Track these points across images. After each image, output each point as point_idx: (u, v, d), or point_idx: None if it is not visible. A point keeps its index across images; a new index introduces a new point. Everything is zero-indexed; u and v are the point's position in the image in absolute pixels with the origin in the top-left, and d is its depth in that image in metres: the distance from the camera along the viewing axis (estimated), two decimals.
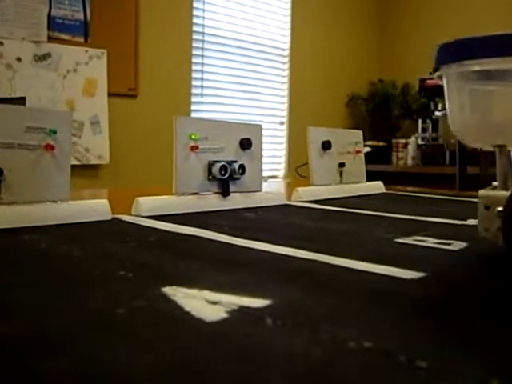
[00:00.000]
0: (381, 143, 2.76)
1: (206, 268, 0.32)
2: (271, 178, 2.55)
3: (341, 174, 0.82)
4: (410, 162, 2.68)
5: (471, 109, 0.35)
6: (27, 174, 0.46)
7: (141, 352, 0.18)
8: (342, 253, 0.36)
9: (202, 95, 2.30)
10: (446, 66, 0.34)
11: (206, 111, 2.32)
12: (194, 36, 2.24)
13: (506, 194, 0.31)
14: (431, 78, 2.50)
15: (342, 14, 2.92)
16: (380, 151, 2.72)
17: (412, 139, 2.68)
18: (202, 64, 2.29)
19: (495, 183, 0.36)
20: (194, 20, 2.23)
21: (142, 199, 0.54)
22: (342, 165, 0.82)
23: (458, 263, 0.35)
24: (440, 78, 0.36)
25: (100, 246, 0.38)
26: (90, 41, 1.89)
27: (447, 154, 2.49)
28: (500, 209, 0.31)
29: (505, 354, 0.19)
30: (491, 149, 0.35)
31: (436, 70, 0.36)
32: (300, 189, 0.75)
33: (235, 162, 0.63)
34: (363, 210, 0.63)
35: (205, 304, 0.24)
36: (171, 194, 0.57)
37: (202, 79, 2.29)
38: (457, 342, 0.20)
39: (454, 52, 0.33)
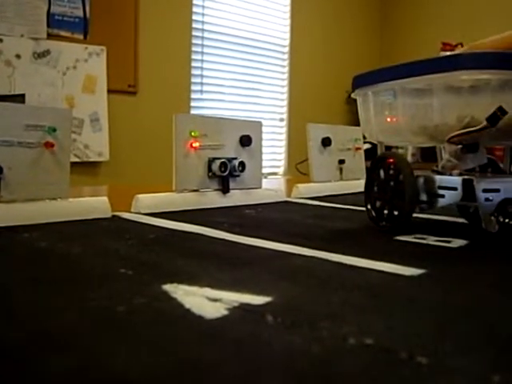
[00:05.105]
0: None
1: (206, 265, 0.32)
2: (271, 175, 2.55)
3: (341, 170, 0.82)
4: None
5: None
6: (27, 171, 0.46)
7: (141, 350, 0.18)
8: (342, 250, 0.36)
9: (201, 92, 2.30)
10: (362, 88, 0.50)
11: (205, 108, 2.32)
12: (194, 33, 2.24)
13: None
14: None
15: (342, 11, 2.91)
16: None
17: None
18: (202, 61, 2.29)
19: None
20: (194, 17, 2.23)
21: (141, 196, 0.54)
22: (341, 161, 0.82)
23: (457, 261, 0.35)
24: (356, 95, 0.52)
25: (100, 244, 0.38)
26: (90, 38, 1.88)
27: None
28: None
29: (506, 350, 0.19)
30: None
31: (353, 91, 0.52)
32: (300, 185, 0.75)
33: (235, 158, 0.62)
34: (363, 206, 0.62)
35: (205, 301, 0.24)
36: (171, 191, 0.57)
37: (201, 76, 2.29)
38: (457, 339, 0.20)
39: (367, 79, 0.50)
